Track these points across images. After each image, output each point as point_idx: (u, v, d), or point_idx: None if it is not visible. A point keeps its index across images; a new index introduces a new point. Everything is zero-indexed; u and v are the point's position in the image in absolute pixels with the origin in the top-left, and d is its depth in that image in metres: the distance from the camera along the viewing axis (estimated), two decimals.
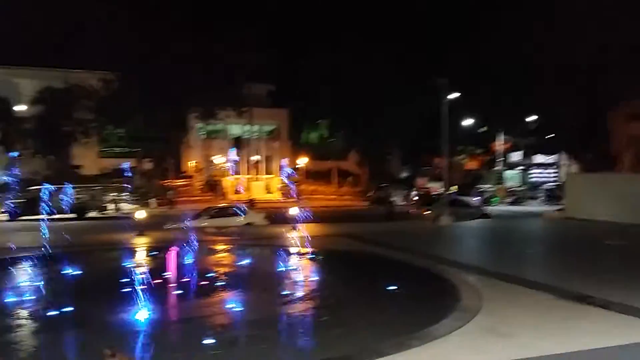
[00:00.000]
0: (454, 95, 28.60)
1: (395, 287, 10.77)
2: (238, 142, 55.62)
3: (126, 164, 46.14)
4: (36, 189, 34.94)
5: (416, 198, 42.71)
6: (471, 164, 66.84)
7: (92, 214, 32.84)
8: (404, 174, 67.41)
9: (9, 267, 12.63)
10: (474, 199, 45.21)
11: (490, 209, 37.21)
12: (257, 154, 55.08)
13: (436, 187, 45.32)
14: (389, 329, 8.09)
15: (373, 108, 50.23)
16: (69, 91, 48.65)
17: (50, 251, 13.91)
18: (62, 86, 49.15)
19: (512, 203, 46.32)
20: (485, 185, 50.42)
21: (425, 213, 28.92)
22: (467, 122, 53.57)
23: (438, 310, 8.95)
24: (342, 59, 49.83)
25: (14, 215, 31.80)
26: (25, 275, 11.79)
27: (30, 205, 32.14)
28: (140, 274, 9.96)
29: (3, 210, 33.06)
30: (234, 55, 46.98)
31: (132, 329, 8.00)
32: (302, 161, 54.39)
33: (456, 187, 48.28)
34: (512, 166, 56.09)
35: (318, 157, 60.27)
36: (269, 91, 59.42)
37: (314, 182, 56.14)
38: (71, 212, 32.58)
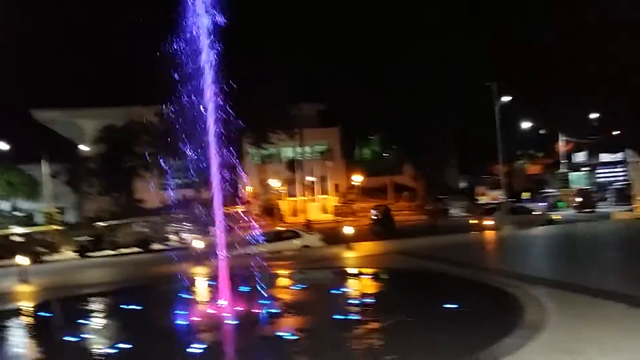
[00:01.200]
0: (507, 98, 27.66)
1: (453, 305, 10.35)
2: (291, 165, 56.08)
3: (186, 195, 47.50)
4: (102, 225, 36.44)
5: (476, 208, 41.49)
6: (533, 169, 64.64)
7: (155, 246, 33.59)
8: (463, 184, 66.01)
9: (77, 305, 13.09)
10: (539, 204, 43.58)
11: (558, 213, 35.58)
12: (311, 175, 55.27)
13: (497, 195, 43.89)
14: (448, 351, 7.73)
15: (424, 116, 49.58)
16: (129, 128, 50.73)
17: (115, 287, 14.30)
18: (122, 123, 51.34)
19: (581, 207, 44.12)
20: (550, 190, 48.40)
21: (485, 223, 27.96)
22: (526, 125, 51.92)
23: (500, 327, 8.50)
24: (390, 67, 49.64)
25: (82, 252, 33.02)
26: (90, 313, 12.12)
27: (97, 242, 33.51)
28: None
29: (71, 248, 34.44)
30: (282, 77, 47.73)
31: None
32: (357, 178, 54.13)
33: (528, 193, 46.74)
34: (576, 167, 53.70)
35: (372, 173, 59.92)
36: (319, 110, 59.85)
37: (370, 198, 55.70)
38: (136, 246, 33.68)
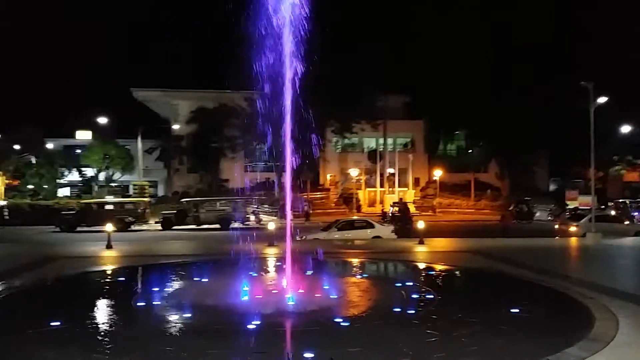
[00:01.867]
0: (603, 99, 25.95)
1: (518, 309, 9.99)
2: (373, 155, 55.87)
3: (268, 178, 48.83)
4: (187, 201, 38.21)
5: (565, 213, 39.47)
6: (630, 176, 60.38)
7: (235, 224, 34.79)
8: (552, 187, 62.90)
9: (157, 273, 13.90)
10: (634, 213, 40.75)
11: None
12: (392, 167, 54.80)
13: (587, 201, 41.47)
14: (502, 355, 7.48)
15: (517, 115, 47.62)
16: (219, 111, 52.70)
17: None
18: (213, 106, 53.41)
19: None
20: None
21: (571, 229, 26.56)
22: (625, 129, 48.56)
23: (565, 337, 8.12)
24: (481, 63, 48.02)
25: (167, 225, 34.78)
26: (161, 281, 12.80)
27: (181, 216, 35.21)
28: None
29: (157, 220, 36.37)
30: (369, 70, 47.53)
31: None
32: (438, 173, 53.04)
33: (627, 200, 43.89)
34: None
35: (455, 169, 58.45)
36: (405, 103, 59.07)
37: (451, 195, 54.45)
38: (217, 223, 35.08)
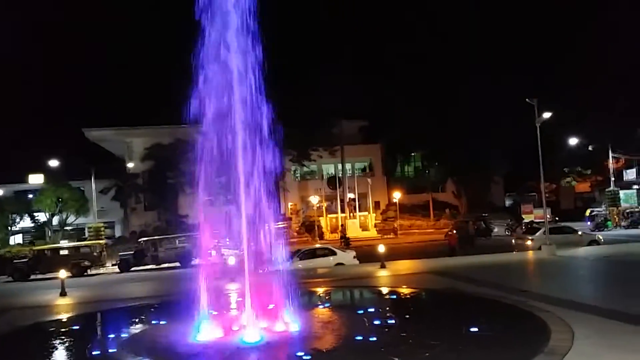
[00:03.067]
0: (547, 114, 26.94)
1: (477, 328, 10.11)
2: (332, 182, 56.14)
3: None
4: (145, 240, 37.36)
5: (518, 227, 40.40)
6: (581, 187, 62.55)
7: (196, 261, 33.96)
8: (508, 202, 64.42)
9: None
10: (587, 223, 42.04)
11: (603, 234, 34.28)
12: (351, 192, 55.15)
13: (541, 214, 42.63)
14: None
15: (470, 133, 48.83)
16: (175, 146, 52.08)
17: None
18: (169, 141, 52.80)
19: (629, 226, 42.33)
20: (599, 209, 46.62)
21: (527, 243, 27.18)
22: (574, 141, 50.43)
23: (523, 353, 8.26)
24: (435, 83, 49.23)
25: (124, 266, 33.81)
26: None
27: (139, 257, 34.35)
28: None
29: (115, 262, 35.35)
30: (324, 97, 48.14)
31: None
32: (397, 195, 53.66)
33: (589, 210, 45.18)
34: (626, 185, 51.55)
35: (414, 190, 59.31)
36: (361, 127, 59.83)
37: (411, 216, 55.06)
38: (176, 261, 34.32)
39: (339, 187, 54.86)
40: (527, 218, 46.14)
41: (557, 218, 44.31)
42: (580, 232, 28.94)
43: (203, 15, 11.49)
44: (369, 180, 55.75)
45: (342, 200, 54.72)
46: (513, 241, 29.89)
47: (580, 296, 13.11)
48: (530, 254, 25.17)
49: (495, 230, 44.11)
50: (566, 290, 14.42)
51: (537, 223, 35.84)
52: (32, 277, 32.14)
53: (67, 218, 51.38)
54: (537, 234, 27.33)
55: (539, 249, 24.91)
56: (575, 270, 19.51)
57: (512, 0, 57.79)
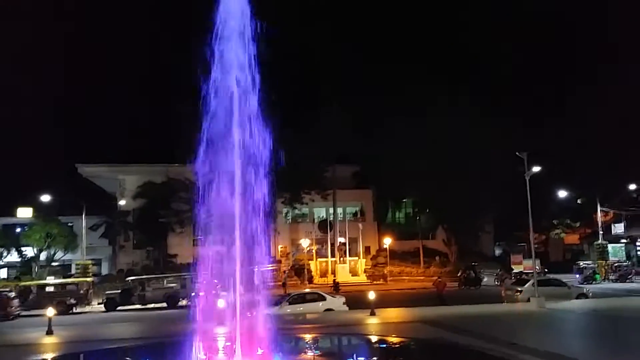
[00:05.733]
0: (537, 168, 27.50)
1: None
2: (323, 225, 56.18)
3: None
4: (133, 279, 36.98)
5: (506, 278, 40.48)
6: (570, 239, 62.92)
7: (183, 302, 33.63)
8: (497, 252, 64.59)
9: None
10: (576, 276, 42.17)
11: (591, 287, 34.43)
12: (342, 236, 55.15)
13: (531, 265, 42.79)
14: None
15: (461, 182, 49.35)
16: (167, 185, 52.23)
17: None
18: (161, 180, 52.96)
19: (617, 280, 42.53)
20: (587, 262, 46.86)
21: (516, 294, 27.23)
22: (563, 194, 51.14)
23: None
24: (425, 133, 49.93)
25: (111, 306, 33.35)
26: None
27: (126, 296, 33.95)
28: None
29: (101, 301, 34.83)
30: (318, 141, 48.80)
31: None
32: (387, 241, 53.68)
33: (581, 263, 45.34)
34: (615, 239, 52.00)
35: (404, 236, 59.32)
36: (353, 172, 60.37)
37: (401, 262, 54.94)
38: (163, 302, 33.91)
39: (330, 231, 54.89)
40: (516, 268, 46.22)
41: (546, 270, 44.45)
42: (568, 285, 29.05)
43: (203, 62, 11.92)
44: (360, 225, 55.89)
45: (332, 244, 54.69)
46: (502, 292, 29.90)
47: (568, 350, 13.16)
48: (519, 305, 25.21)
49: (485, 279, 44.14)
50: (554, 343, 14.46)
51: (527, 274, 35.97)
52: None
53: (55, 254, 50.84)
54: (526, 285, 27.38)
55: (528, 300, 24.97)
56: (563, 324, 19.56)
57: (508, 53, 59.37)
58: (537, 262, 45.58)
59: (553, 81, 60.13)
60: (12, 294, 31.60)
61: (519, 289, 27.68)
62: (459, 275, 44.11)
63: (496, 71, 57.24)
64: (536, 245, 57.31)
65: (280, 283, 41.73)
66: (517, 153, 26.80)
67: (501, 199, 47.90)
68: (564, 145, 50.18)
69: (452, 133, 49.21)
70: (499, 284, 40.57)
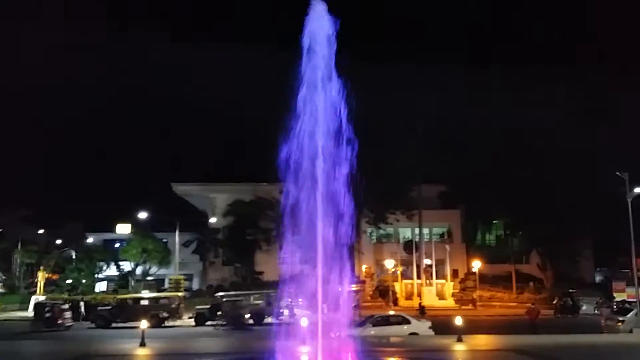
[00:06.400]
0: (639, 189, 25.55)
1: None
2: (409, 246, 55.18)
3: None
4: (221, 295, 38.02)
5: (608, 307, 37.55)
6: None
7: (269, 319, 34.05)
8: (598, 278, 60.35)
9: None
10: None
11: None
12: (429, 258, 53.84)
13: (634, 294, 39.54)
14: None
15: (557, 202, 46.83)
16: (255, 203, 53.67)
17: None
18: (249, 199, 54.52)
19: None
20: None
21: (617, 325, 25.17)
22: None
23: None
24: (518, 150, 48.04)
25: (201, 320, 34.42)
26: None
27: (215, 311, 34.93)
28: None
29: (191, 315, 36.04)
30: (403, 160, 48.26)
31: None
32: (477, 264, 51.66)
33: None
34: None
35: (495, 259, 56.85)
36: (440, 192, 58.96)
37: (491, 287, 52.62)
38: (250, 318, 34.51)
39: (416, 252, 53.78)
40: (618, 296, 42.90)
41: None
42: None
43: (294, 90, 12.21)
44: (447, 246, 54.36)
45: (418, 266, 53.49)
46: (602, 321, 27.79)
47: None
48: (620, 336, 23.26)
49: (584, 308, 41.35)
50: None
51: (630, 303, 33.23)
52: (114, 325, 33.40)
53: (150, 268, 53.49)
54: (629, 315, 25.28)
55: (631, 331, 23.01)
56: None
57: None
58: None
59: None
60: (66, 306, 34.38)
61: (621, 318, 25.60)
62: (554, 302, 41.55)
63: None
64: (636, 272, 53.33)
65: (354, 305, 40.38)
66: (617, 173, 25.11)
67: (603, 221, 44.84)
68: None
69: (548, 147, 46.98)
70: (599, 312, 37.76)
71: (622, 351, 19.89)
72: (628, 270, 50.68)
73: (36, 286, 48.98)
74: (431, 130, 50.32)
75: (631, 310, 25.89)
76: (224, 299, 35.99)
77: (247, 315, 34.01)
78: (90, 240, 57.38)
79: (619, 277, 49.88)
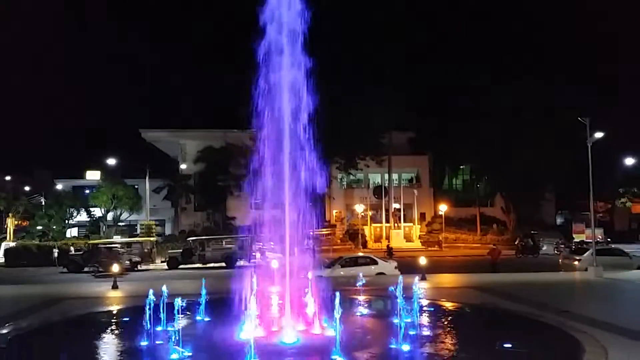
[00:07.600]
0: (599, 134, 26.38)
1: (511, 345, 10.23)
2: (378, 191, 56.18)
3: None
4: (193, 240, 38.56)
5: (566, 247, 39.37)
6: (637, 208, 60.27)
7: (241, 262, 34.78)
8: (559, 221, 62.72)
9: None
10: None
11: None
12: (397, 202, 55.04)
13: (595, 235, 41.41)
14: None
15: (522, 147, 47.93)
16: (226, 150, 53.50)
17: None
18: (220, 145, 54.29)
19: None
20: None
21: (574, 263, 26.61)
22: (629, 161, 48.82)
23: None
24: (485, 98, 48.58)
25: (173, 264, 35.00)
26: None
27: (187, 255, 35.50)
28: None
29: (164, 259, 36.60)
30: (372, 107, 48.39)
31: None
32: (443, 208, 53.12)
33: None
34: None
35: (461, 203, 58.47)
36: (409, 138, 59.64)
37: (457, 229, 54.35)
38: (222, 261, 35.27)
39: (385, 197, 54.86)
40: (578, 238, 44.92)
41: (609, 239, 42.94)
42: (630, 255, 28.03)
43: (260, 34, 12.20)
44: (415, 191, 55.51)
45: (387, 210, 54.72)
46: (560, 261, 29.29)
47: (620, 320, 12.91)
48: (576, 274, 24.68)
49: (544, 248, 43.17)
50: (607, 312, 14.21)
51: (587, 243, 34.91)
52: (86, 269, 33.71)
53: (120, 214, 53.41)
54: (585, 254, 26.69)
55: (586, 269, 24.40)
56: (620, 294, 19.08)
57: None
58: (600, 231, 44.31)
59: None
60: None
61: (577, 257, 27.04)
62: (516, 243, 43.31)
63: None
64: (600, 215, 55.57)
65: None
66: (579, 118, 25.83)
67: (564, 166, 46.24)
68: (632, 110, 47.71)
69: (516, 98, 47.67)
70: (558, 252, 39.61)
71: (574, 287, 21.23)
72: (587, 213, 52.94)
73: (6, 232, 48.73)
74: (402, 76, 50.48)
75: (588, 249, 27.25)
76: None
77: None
78: (59, 187, 56.76)
79: (579, 219, 52.03)
